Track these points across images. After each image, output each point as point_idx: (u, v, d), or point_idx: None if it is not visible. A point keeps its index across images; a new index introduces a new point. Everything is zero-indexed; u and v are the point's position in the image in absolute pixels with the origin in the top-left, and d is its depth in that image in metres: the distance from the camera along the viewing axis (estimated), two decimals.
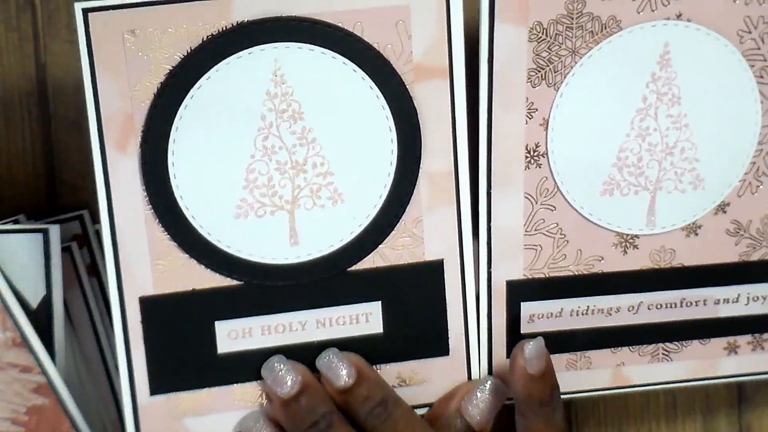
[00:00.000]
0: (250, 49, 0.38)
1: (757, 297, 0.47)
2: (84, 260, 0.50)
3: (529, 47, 0.39)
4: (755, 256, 0.46)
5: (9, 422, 0.46)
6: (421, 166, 0.42)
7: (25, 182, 0.52)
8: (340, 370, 0.40)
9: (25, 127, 0.51)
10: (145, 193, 0.40)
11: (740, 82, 0.42)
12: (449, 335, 0.45)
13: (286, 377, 0.40)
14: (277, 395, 0.40)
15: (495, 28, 0.39)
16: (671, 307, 0.45)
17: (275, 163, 0.40)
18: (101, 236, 0.41)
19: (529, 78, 0.40)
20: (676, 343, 0.47)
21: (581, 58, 0.40)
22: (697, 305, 0.46)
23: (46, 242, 0.47)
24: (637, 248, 0.44)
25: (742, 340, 0.48)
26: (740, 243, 0.46)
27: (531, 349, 0.41)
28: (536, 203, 0.42)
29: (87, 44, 0.36)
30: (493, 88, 0.40)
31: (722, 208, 0.43)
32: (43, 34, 0.50)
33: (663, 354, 0.47)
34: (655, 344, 0.47)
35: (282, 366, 0.41)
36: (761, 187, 0.44)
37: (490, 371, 0.46)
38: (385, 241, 0.43)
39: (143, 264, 0.41)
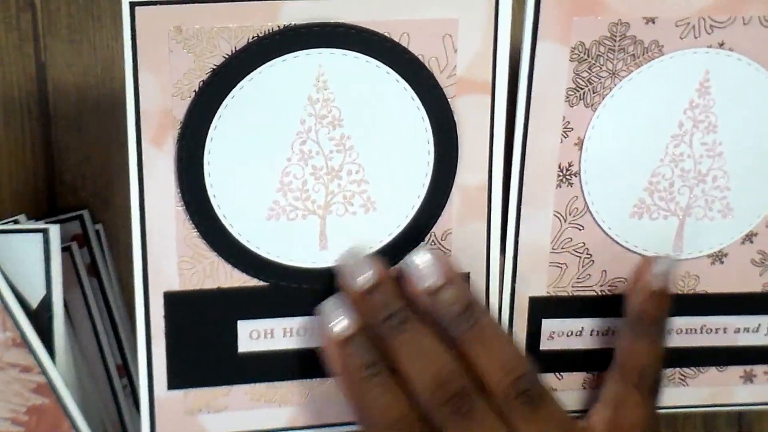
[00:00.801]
0: (295, 53, 0.40)
1: None
2: (84, 260, 0.53)
3: (570, 66, 0.41)
4: None
5: (9, 422, 0.48)
6: (456, 179, 0.44)
7: (25, 182, 0.54)
8: (429, 269, 0.42)
9: (25, 127, 0.53)
10: (178, 190, 0.42)
11: None
12: None
13: (361, 269, 0.42)
14: (350, 287, 0.42)
15: (537, 46, 0.41)
16: (691, 332, 0.47)
17: (311, 167, 0.43)
18: (101, 236, 0.45)
19: (568, 97, 0.42)
20: (693, 368, 0.50)
21: (621, 80, 0.41)
22: (717, 332, 0.49)
23: (46, 242, 0.49)
24: None
25: (759, 369, 0.50)
26: (765, 273, 0.48)
27: (661, 264, 0.45)
28: (565, 222, 0.43)
29: (132, 38, 0.39)
30: (531, 106, 0.42)
31: (749, 237, 0.46)
32: (43, 34, 0.53)
33: (680, 379, 0.50)
34: (672, 368, 0.49)
35: (359, 258, 0.43)
36: None
37: None
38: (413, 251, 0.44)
39: (170, 259, 0.43)
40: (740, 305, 0.48)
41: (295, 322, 0.45)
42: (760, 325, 0.48)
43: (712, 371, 0.49)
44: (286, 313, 0.45)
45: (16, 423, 0.48)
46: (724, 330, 0.48)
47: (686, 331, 0.48)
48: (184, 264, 0.43)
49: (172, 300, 0.44)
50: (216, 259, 0.43)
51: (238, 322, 0.45)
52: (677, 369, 0.49)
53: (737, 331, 0.48)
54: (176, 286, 0.43)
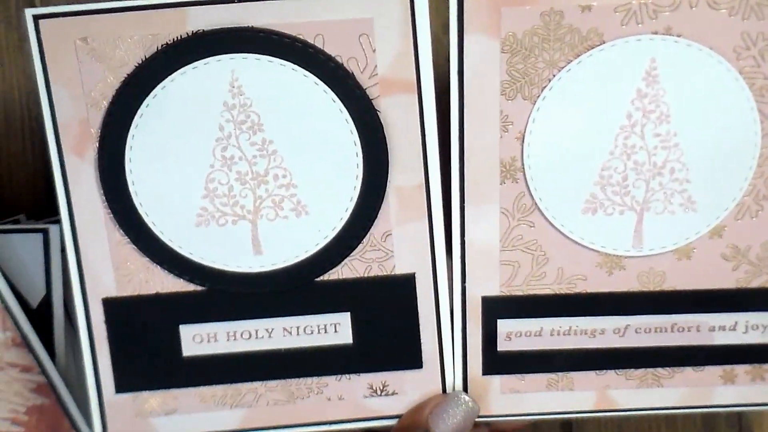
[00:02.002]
0: (206, 60, 0.44)
1: (757, 326, 0.51)
2: None
3: (502, 59, 0.42)
4: (755, 283, 0.50)
5: (9, 422, 0.52)
6: (389, 180, 0.47)
7: (25, 182, 0.58)
8: None
9: (25, 126, 0.58)
10: (104, 198, 0.46)
11: (737, 101, 0.44)
12: (422, 348, 0.50)
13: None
14: None
15: (465, 39, 0.42)
16: (661, 331, 0.49)
17: (235, 173, 0.46)
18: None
19: (504, 90, 0.43)
20: (667, 369, 0.51)
21: (559, 71, 0.43)
22: (690, 331, 0.50)
23: (46, 242, 0.53)
24: (624, 269, 0.47)
25: (740, 369, 0.51)
26: (738, 269, 0.49)
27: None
28: (513, 219, 0.45)
29: (39, 51, 0.41)
30: (465, 101, 0.45)
31: (718, 232, 0.47)
32: None
33: (653, 379, 0.51)
34: (644, 369, 0.51)
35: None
36: (761, 212, 0.44)
37: (465, 388, 0.50)
38: (352, 253, 0.48)
39: (105, 267, 0.47)
40: (713, 302, 0.50)
41: (237, 326, 0.49)
42: (737, 322, 0.48)
43: (688, 371, 0.50)
44: (228, 317, 0.48)
45: (16, 423, 0.52)
46: (698, 328, 0.48)
47: (656, 330, 0.48)
48: (119, 270, 0.47)
49: (112, 306, 0.48)
50: (150, 264, 0.47)
51: (180, 326, 0.48)
52: (650, 369, 0.49)
53: (712, 329, 0.49)
54: (114, 292, 0.47)
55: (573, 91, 0.46)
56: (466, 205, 0.47)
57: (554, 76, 0.45)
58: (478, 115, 0.46)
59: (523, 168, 0.47)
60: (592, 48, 0.45)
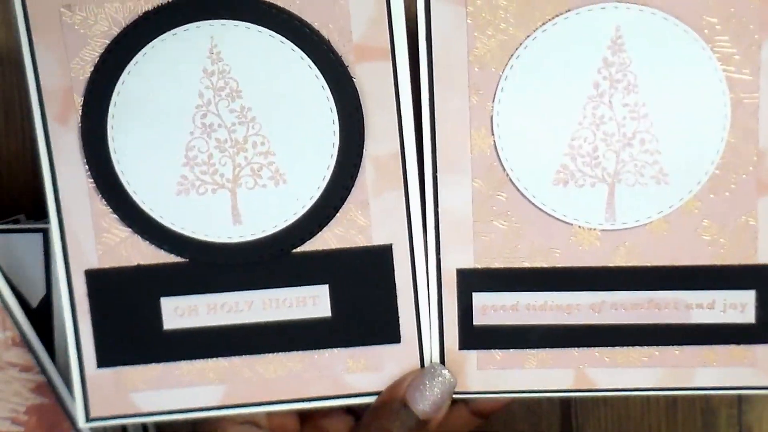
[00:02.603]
0: (185, 26, 0.46)
1: (735, 305, 0.51)
2: None
3: (469, 27, 0.45)
4: (732, 260, 0.51)
5: (9, 422, 0.54)
6: (365, 148, 0.49)
7: (25, 182, 0.61)
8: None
9: (25, 126, 0.60)
10: (87, 167, 0.48)
11: (705, 71, 0.47)
12: (400, 322, 0.51)
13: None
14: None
15: (432, 8, 0.44)
16: (637, 308, 0.49)
17: (215, 141, 0.48)
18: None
19: (472, 59, 0.45)
20: (646, 348, 0.52)
21: (525, 39, 0.44)
22: (667, 308, 0.51)
23: (46, 242, 0.55)
24: (598, 243, 0.49)
25: (720, 350, 0.52)
26: (714, 244, 0.50)
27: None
28: (486, 189, 0.47)
29: (24, 18, 0.44)
30: (434, 70, 0.45)
31: (692, 205, 0.48)
32: None
33: (631, 358, 0.52)
34: (622, 347, 0.51)
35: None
36: (735, 187, 0.47)
37: (442, 362, 0.52)
38: (330, 224, 0.50)
39: (88, 237, 0.49)
40: (689, 279, 0.51)
41: (217, 299, 0.50)
42: (714, 300, 0.50)
43: (669, 351, 0.52)
44: (209, 290, 0.50)
45: (16, 422, 0.54)
46: (675, 306, 0.49)
47: (632, 307, 0.49)
48: (101, 241, 0.49)
49: (94, 278, 0.49)
50: (132, 235, 0.49)
51: (161, 299, 0.50)
52: (627, 348, 0.52)
53: (689, 307, 0.50)
54: (96, 263, 0.49)
55: (540, 59, 0.48)
56: (438, 173, 0.49)
57: (521, 44, 0.48)
58: (447, 84, 0.48)
59: (494, 137, 0.49)
60: (557, 16, 0.47)
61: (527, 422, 0.63)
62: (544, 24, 0.47)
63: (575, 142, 0.48)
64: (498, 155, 0.49)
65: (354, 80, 0.47)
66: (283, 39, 0.47)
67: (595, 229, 0.50)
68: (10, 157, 0.59)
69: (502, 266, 0.50)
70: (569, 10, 0.47)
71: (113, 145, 0.47)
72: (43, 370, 0.53)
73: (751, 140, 0.49)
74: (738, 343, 0.51)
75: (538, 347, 0.51)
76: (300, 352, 0.51)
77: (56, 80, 0.47)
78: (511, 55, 0.47)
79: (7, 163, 0.59)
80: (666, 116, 0.48)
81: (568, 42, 0.47)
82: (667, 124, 0.48)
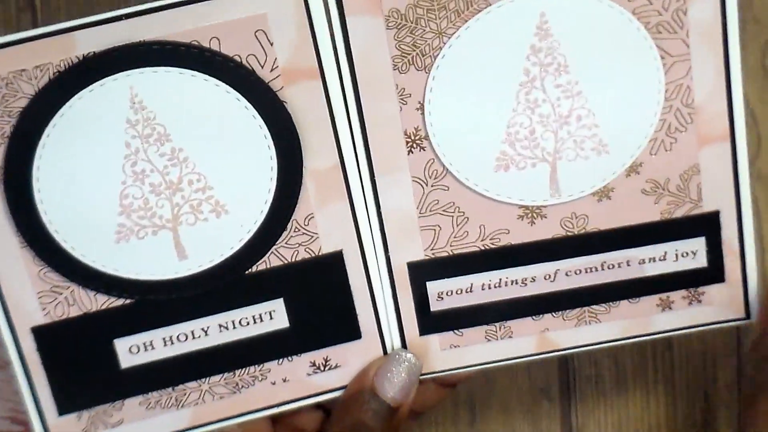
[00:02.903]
0: (101, 81, 0.52)
1: (687, 252, 0.60)
2: None
3: (388, 35, 0.51)
4: (679, 213, 0.59)
5: (9, 421, 0.63)
6: (304, 165, 0.56)
7: None
8: None
9: None
10: (17, 232, 0.55)
11: (634, 41, 0.53)
12: (359, 320, 0.59)
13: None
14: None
15: (347, 22, 0.50)
16: (591, 271, 0.58)
17: (149, 186, 0.55)
18: None
19: (395, 65, 0.51)
20: (602, 305, 0.61)
21: (449, 38, 0.51)
22: (620, 267, 0.59)
23: None
24: (545, 218, 0.57)
25: (677, 295, 0.61)
26: (660, 201, 0.58)
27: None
28: (426, 185, 0.54)
29: None
30: (358, 80, 0.54)
31: (634, 169, 0.56)
32: None
33: (590, 316, 0.61)
34: (580, 308, 0.61)
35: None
36: (676, 143, 0.53)
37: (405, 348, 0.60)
38: (278, 242, 0.57)
39: (29, 296, 0.56)
40: (639, 236, 0.59)
41: (172, 330, 0.58)
42: (666, 252, 0.58)
43: (624, 304, 0.60)
44: (163, 323, 0.57)
45: (15, 422, 0.63)
46: (628, 263, 0.58)
47: (585, 271, 0.57)
48: (44, 298, 0.56)
49: (41, 334, 0.56)
50: (75, 287, 0.56)
51: (114, 341, 0.57)
52: (585, 308, 0.59)
53: (642, 262, 0.58)
54: (41, 320, 0.56)
55: (467, 56, 0.54)
56: (376, 177, 0.55)
57: (445, 44, 0.53)
58: (374, 93, 0.54)
59: (428, 136, 0.55)
60: (479, 12, 0.53)
61: (527, 422, 0.72)
62: (466, 22, 0.52)
63: (512, 129, 0.55)
64: (435, 152, 0.55)
65: (285, 104, 0.53)
66: (206, 76, 0.52)
67: (541, 206, 0.56)
68: None
69: (453, 253, 0.57)
70: (490, 5, 0.52)
71: (42, 207, 0.53)
72: None
73: (687, 97, 0.55)
74: (693, 286, 0.60)
75: (497, 321, 0.59)
76: (262, 364, 0.58)
77: None
78: (437, 56, 0.53)
79: None
80: (600, 90, 0.55)
81: (494, 35, 0.53)
82: (601, 98, 0.55)
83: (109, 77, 0.52)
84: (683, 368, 0.73)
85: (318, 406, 0.63)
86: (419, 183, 0.56)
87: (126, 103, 0.52)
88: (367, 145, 0.55)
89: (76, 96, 0.52)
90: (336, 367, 0.59)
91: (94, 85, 0.52)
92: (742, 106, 0.56)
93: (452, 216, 0.57)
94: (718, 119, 0.56)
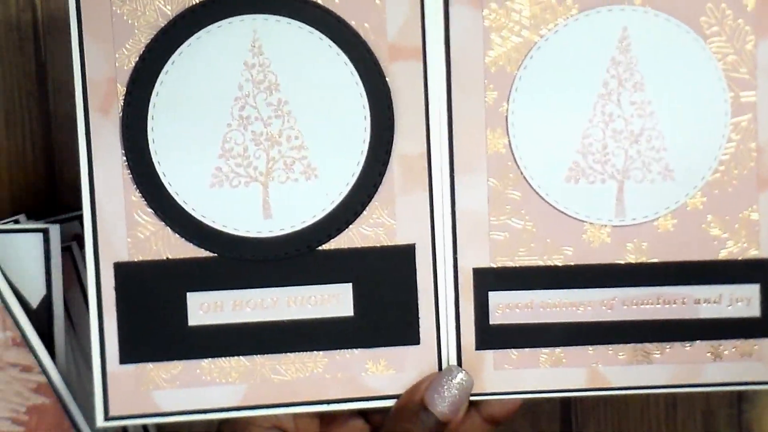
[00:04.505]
0: (229, 19, 0.65)
1: (741, 299, 0.70)
2: (84, 260, 0.69)
3: (485, 29, 0.63)
4: (736, 255, 0.70)
5: (9, 422, 0.69)
6: (393, 147, 0.68)
7: (25, 182, 0.78)
8: None
9: (25, 127, 0.78)
10: (125, 158, 0.66)
11: (706, 71, 0.68)
12: (420, 323, 0.68)
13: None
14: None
15: (450, 11, 0.65)
16: (648, 304, 0.69)
17: (251, 133, 0.66)
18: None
19: (487, 61, 0.62)
20: (656, 344, 0.71)
21: (538, 41, 0.62)
22: (675, 304, 0.70)
23: (46, 242, 0.71)
24: (608, 240, 0.67)
25: (728, 344, 0.71)
26: (719, 240, 0.70)
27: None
28: (501, 188, 0.64)
29: (77, 8, 0.64)
30: (451, 70, 0.67)
31: (697, 202, 0.69)
32: (43, 34, 0.77)
33: (642, 355, 0.71)
34: (633, 344, 0.70)
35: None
36: (738, 183, 0.67)
37: (459, 363, 0.69)
38: (356, 221, 0.68)
39: (119, 229, 0.66)
40: (696, 274, 0.70)
41: (244, 295, 0.67)
42: (721, 295, 0.69)
43: (678, 348, 0.71)
44: (235, 285, 0.67)
45: (16, 422, 0.69)
46: (683, 301, 0.70)
47: (642, 303, 0.69)
48: (133, 233, 0.66)
49: (122, 271, 0.66)
50: (163, 228, 0.67)
51: (188, 294, 0.67)
52: (639, 344, 0.70)
53: (698, 302, 0.70)
54: (126, 256, 0.66)
55: (552, 59, 0.67)
56: (456, 174, 0.67)
57: (534, 45, 0.66)
58: (464, 84, 0.67)
59: (508, 136, 0.67)
60: (568, 18, 0.66)
61: (527, 422, 0.82)
62: (555, 26, 0.65)
63: (586, 140, 0.68)
64: (513, 154, 0.67)
65: (387, 79, 0.66)
66: (322, 35, 0.66)
67: (605, 226, 0.68)
68: (10, 157, 0.77)
69: (516, 265, 0.67)
70: (579, 12, 0.65)
71: (152, 135, 0.66)
72: (44, 370, 0.69)
73: (751, 137, 0.68)
74: (745, 337, 0.70)
75: (552, 345, 0.70)
76: (321, 352, 0.68)
77: (102, 70, 0.65)
78: (525, 56, 0.66)
79: (7, 163, 0.77)
80: (670, 114, 0.69)
81: (578, 42, 0.67)
82: (672, 122, 0.68)
83: (237, 17, 0.65)
84: None
85: (365, 418, 0.71)
86: (495, 186, 0.68)
87: (247, 45, 0.66)
88: (452, 139, 0.67)
89: (204, 29, 0.65)
90: (391, 371, 0.69)
91: (222, 21, 0.66)
92: None
93: (521, 225, 0.68)
94: None
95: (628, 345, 0.69)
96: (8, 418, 0.69)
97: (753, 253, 0.69)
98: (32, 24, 0.75)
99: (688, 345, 0.69)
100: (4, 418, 0.69)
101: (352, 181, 0.67)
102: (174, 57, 0.65)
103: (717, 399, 0.81)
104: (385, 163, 0.67)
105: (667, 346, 0.69)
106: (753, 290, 0.69)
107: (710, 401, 0.81)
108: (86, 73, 0.64)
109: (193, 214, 0.66)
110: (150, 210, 0.66)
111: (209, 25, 0.65)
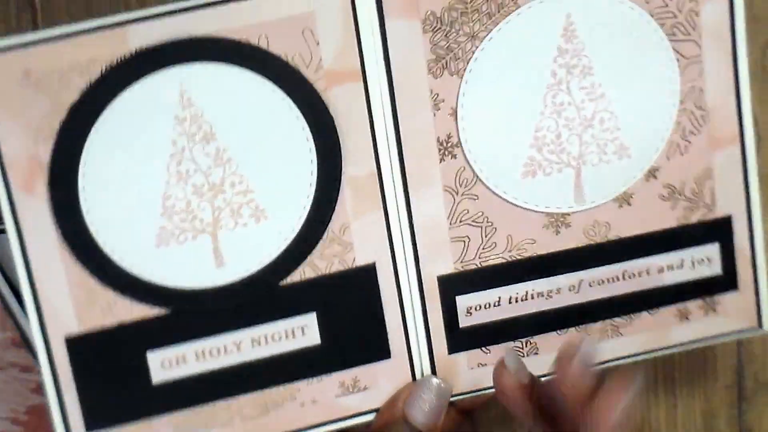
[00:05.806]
0: (151, 75, 0.66)
1: (702, 259, 0.74)
2: None
3: (425, 38, 0.64)
4: (694, 218, 0.75)
5: (9, 422, 0.71)
6: (343, 172, 0.69)
7: None
8: None
9: None
10: (59, 233, 0.66)
11: (652, 43, 0.67)
12: (389, 337, 0.69)
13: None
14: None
15: (386, 26, 0.60)
16: (613, 281, 0.70)
17: (191, 187, 0.68)
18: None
19: (430, 69, 0.63)
20: (624, 317, 0.74)
21: (481, 42, 0.63)
22: (640, 276, 0.72)
23: None
24: (570, 226, 0.68)
25: (693, 305, 0.76)
26: (676, 207, 0.72)
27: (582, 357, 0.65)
28: (457, 195, 0.65)
29: None
30: (394, 85, 0.64)
31: (652, 173, 0.69)
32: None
33: (612, 329, 0.75)
34: (602, 321, 0.74)
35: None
36: (690, 146, 0.63)
37: (433, 370, 0.71)
38: (313, 251, 0.69)
39: (65, 303, 0.66)
40: (658, 244, 0.75)
41: (205, 344, 0.69)
42: (683, 260, 0.71)
43: (645, 316, 0.76)
44: (195, 336, 0.69)
45: (16, 423, 0.70)
46: (647, 272, 0.71)
47: (608, 281, 0.68)
48: (79, 305, 0.67)
49: (75, 344, 0.67)
50: (112, 294, 0.68)
51: (147, 353, 0.68)
52: (608, 320, 0.68)
53: (661, 270, 0.72)
54: (76, 328, 0.68)
55: (497, 59, 0.66)
56: (409, 188, 0.64)
57: (477, 47, 0.63)
58: (409, 97, 0.66)
59: (460, 143, 0.65)
60: (509, 14, 0.63)
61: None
62: (497, 24, 0.61)
63: (539, 133, 0.66)
64: (466, 158, 0.65)
65: (328, 106, 0.68)
66: (254, 74, 0.65)
67: (566, 213, 0.66)
68: None
69: (481, 266, 0.66)
70: (519, 7, 0.61)
71: (86, 206, 0.67)
72: None
73: (700, 100, 0.67)
74: (710, 294, 0.75)
75: (524, 336, 0.71)
76: (292, 384, 0.70)
77: (20, 148, 0.64)
78: (469, 60, 0.63)
79: None
80: (621, 92, 0.70)
81: (523, 37, 0.66)
82: (623, 100, 0.70)
83: (159, 72, 0.66)
84: (683, 368, 0.88)
85: None
86: (450, 192, 0.68)
87: (175, 99, 0.67)
88: (401, 153, 0.64)
89: (126, 90, 0.67)
90: (365, 388, 0.73)
91: (143, 79, 0.65)
92: (750, 108, 0.67)
93: (481, 226, 0.68)
94: (727, 122, 0.70)
95: (597, 323, 0.73)
96: (8, 418, 0.72)
97: (709, 214, 0.72)
98: (32, 24, 0.73)
99: (654, 312, 0.73)
100: (4, 418, 0.72)
101: (304, 214, 0.67)
102: (97, 125, 0.63)
103: (717, 399, 0.86)
104: (336, 189, 0.68)
105: (635, 317, 0.73)
106: (713, 249, 0.73)
107: (710, 401, 0.86)
108: (1, 154, 0.61)
109: (141, 276, 0.67)
110: (94, 279, 0.66)
111: (130, 85, 0.64)
